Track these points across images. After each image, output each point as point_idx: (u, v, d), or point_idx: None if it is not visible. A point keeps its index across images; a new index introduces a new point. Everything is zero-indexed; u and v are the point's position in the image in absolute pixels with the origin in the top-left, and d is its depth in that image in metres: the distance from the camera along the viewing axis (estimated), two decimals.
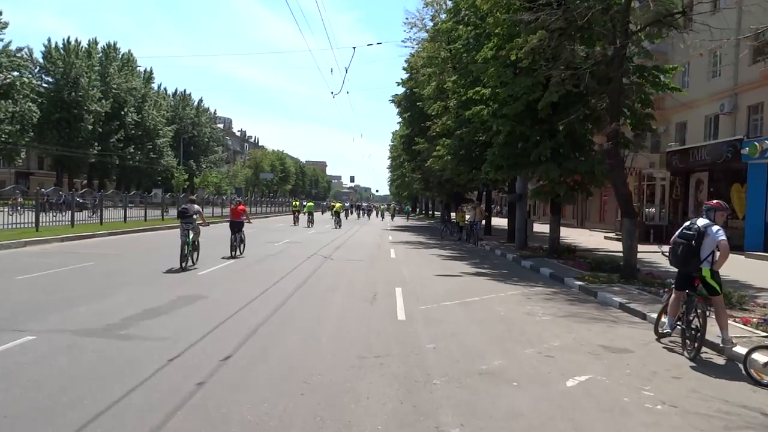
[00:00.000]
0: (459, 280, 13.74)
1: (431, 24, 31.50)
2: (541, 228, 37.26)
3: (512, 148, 18.53)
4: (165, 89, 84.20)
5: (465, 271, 15.44)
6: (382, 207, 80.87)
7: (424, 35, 32.56)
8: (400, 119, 44.78)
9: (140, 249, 18.56)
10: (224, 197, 66.36)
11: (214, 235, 21.41)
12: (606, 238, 31.08)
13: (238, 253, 16.96)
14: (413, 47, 32.68)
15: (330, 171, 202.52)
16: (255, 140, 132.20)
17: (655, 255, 18.05)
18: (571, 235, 32.63)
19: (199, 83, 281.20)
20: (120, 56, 68.82)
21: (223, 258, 16.26)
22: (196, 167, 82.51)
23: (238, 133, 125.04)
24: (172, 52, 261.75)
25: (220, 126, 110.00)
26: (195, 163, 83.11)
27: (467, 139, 24.29)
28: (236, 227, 17.00)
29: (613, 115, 14.04)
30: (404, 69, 41.91)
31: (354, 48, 22.40)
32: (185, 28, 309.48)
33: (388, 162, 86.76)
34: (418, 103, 37.25)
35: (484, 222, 26.67)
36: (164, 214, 35.17)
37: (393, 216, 75.52)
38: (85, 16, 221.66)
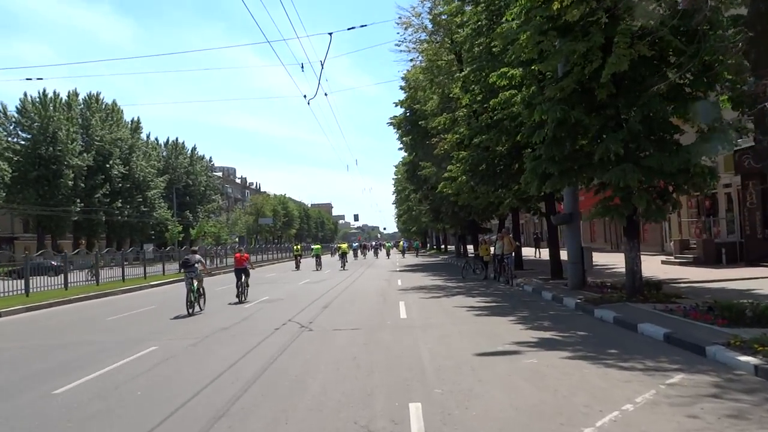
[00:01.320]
0: (524, 367, 7.53)
1: (429, 19, 26.07)
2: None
3: (562, 147, 12.66)
4: (156, 139, 79.76)
5: (522, 340, 9.34)
6: (387, 244, 74.81)
7: (423, 35, 27.18)
8: (401, 144, 39.35)
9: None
10: (225, 247, 60.78)
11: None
12: (664, 263, 24.89)
13: (243, 298, 17.45)
14: (409, 51, 27.34)
15: (336, 212, 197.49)
16: (257, 186, 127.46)
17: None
18: (614, 261, 26.44)
19: (201, 136, 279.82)
20: (103, 106, 64.24)
21: (229, 304, 16.96)
22: (193, 218, 77.21)
23: (238, 181, 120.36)
24: (174, 108, 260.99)
25: (219, 174, 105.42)
26: (191, 214, 77.87)
27: (490, 148, 18.55)
28: (241, 273, 17.61)
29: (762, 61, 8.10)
30: (401, 88, 36.67)
31: (330, 34, 16.73)
32: (186, 85, 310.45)
33: (393, 197, 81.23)
34: (420, 123, 31.79)
35: (514, 254, 20.76)
36: (164, 268, 33.70)
37: (404, 253, 69.40)
38: (92, 80, 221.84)
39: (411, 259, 53.32)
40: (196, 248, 18.62)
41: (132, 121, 69.23)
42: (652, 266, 23.66)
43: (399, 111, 36.87)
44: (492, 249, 22.82)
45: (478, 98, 18.64)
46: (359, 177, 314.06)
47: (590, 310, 12.19)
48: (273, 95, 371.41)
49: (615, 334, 9.74)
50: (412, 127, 35.11)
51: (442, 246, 69.08)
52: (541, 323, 11.14)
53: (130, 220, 64.07)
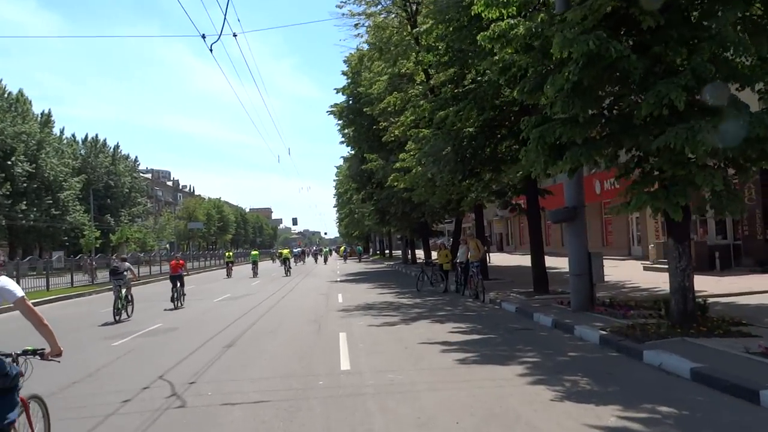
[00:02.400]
0: None
1: None
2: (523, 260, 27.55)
3: (589, 101, 8.24)
4: (73, 135, 71.82)
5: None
6: (325, 250, 70.02)
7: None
8: (342, 138, 34.55)
9: None
10: (151, 254, 54.25)
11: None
12: (648, 269, 21.16)
13: (179, 304, 17.51)
14: (352, 15, 22.56)
15: (276, 217, 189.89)
16: (191, 189, 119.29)
17: None
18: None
19: (135, 138, 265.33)
20: (5, 95, 56.31)
21: (165, 310, 16.71)
22: (115, 222, 69.62)
23: (170, 184, 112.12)
24: (109, 108, 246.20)
25: (147, 176, 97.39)
26: (113, 218, 70.26)
27: (457, 125, 14.08)
28: (176, 280, 17.74)
29: None
30: (343, 73, 31.92)
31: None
32: (120, 85, 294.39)
33: (335, 200, 76.25)
34: (365, 110, 27.09)
35: (480, 263, 16.30)
36: (72, 279, 28.17)
37: (345, 258, 64.65)
38: (17, 76, 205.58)
39: (353, 265, 48.48)
40: (125, 255, 19.75)
41: (42, 114, 61.41)
42: (636, 274, 19.94)
43: (340, 99, 32.13)
44: (458, 256, 18.44)
45: (444, 59, 14.13)
46: (297, 178, 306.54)
47: (632, 350, 7.79)
48: (210, 97, 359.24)
49: (727, 409, 5.35)
50: (355, 116, 30.42)
51: (387, 251, 64.62)
52: (575, 381, 6.61)
53: (37, 224, 56.29)
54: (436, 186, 18.44)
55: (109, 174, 72.05)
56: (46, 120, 61.01)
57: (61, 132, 64.56)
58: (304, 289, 23.28)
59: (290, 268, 35.82)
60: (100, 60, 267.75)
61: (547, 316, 11.11)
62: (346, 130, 33.80)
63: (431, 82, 18.98)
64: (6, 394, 3.67)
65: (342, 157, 35.12)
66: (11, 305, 4.02)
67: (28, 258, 38.17)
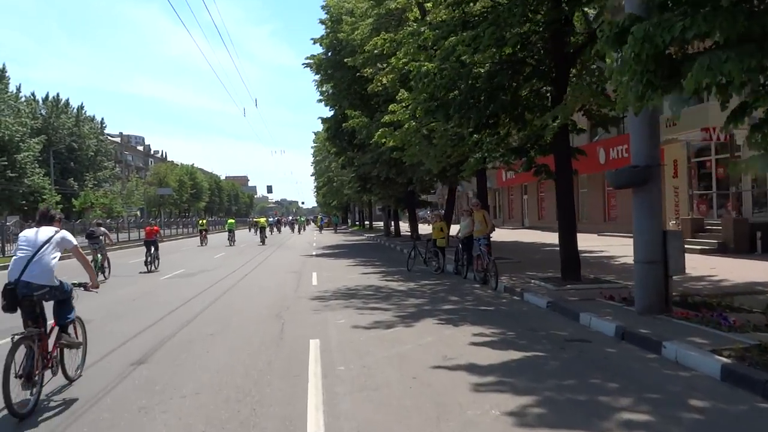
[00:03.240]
0: None
1: None
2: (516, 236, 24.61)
3: None
4: (33, 94, 66.21)
5: None
6: (300, 219, 66.86)
7: None
8: (320, 96, 30.54)
9: None
10: (119, 221, 50.17)
11: None
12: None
13: (152, 267, 18.04)
14: None
15: (252, 185, 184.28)
16: (163, 155, 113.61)
17: None
18: (587, 246, 19.69)
19: (108, 103, 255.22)
20: None
21: (140, 272, 17.21)
22: (79, 187, 64.62)
23: (141, 148, 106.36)
24: (78, 71, 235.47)
25: (116, 140, 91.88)
26: (77, 182, 65.26)
27: (467, 63, 10.51)
28: (150, 245, 18.24)
29: None
30: (321, 22, 27.83)
31: None
32: (90, 46, 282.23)
33: (312, 168, 72.13)
34: (346, 61, 23.19)
35: (487, 239, 12.87)
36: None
37: (321, 229, 61.14)
38: None
39: (330, 236, 44.89)
40: (101, 221, 20.98)
41: None
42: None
43: (318, 51, 28.06)
44: (459, 229, 14.98)
45: None
46: (270, 140, 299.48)
47: None
48: (185, 62, 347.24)
49: None
50: (335, 70, 26.45)
51: (367, 223, 61.07)
52: None
53: None
54: (433, 144, 14.85)
55: (73, 136, 66.77)
56: (0, 75, 55.45)
57: (18, 89, 58.92)
58: (274, 263, 19.68)
59: (266, 237, 35.40)
60: (66, 19, 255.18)
61: (605, 320, 7.72)
62: (324, 87, 29.78)
63: (428, 18, 15.26)
64: (65, 304, 5.42)
65: (320, 118, 30.95)
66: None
67: None
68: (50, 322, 5.36)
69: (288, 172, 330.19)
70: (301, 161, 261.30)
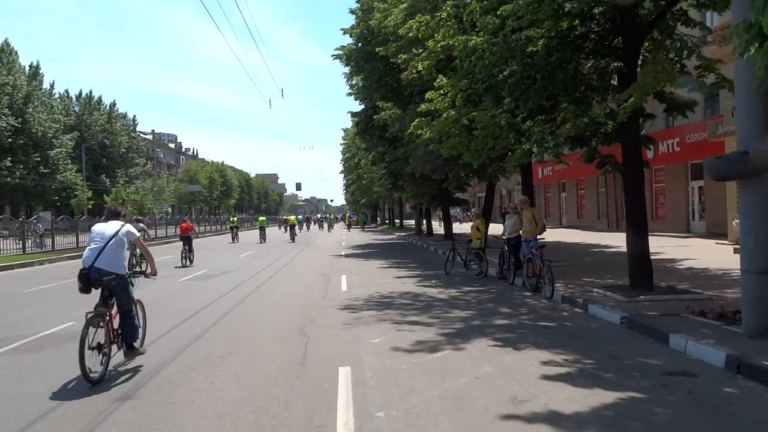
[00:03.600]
0: None
1: None
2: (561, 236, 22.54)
3: None
4: (66, 92, 66.49)
5: None
6: (330, 217, 65.97)
7: None
8: (350, 90, 29.13)
9: None
10: (153, 217, 49.96)
11: None
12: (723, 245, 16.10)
13: (188, 263, 18.46)
14: None
15: (291, 188, 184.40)
16: (194, 153, 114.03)
17: None
18: (654, 248, 17.77)
19: (141, 101, 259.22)
20: None
21: (175, 267, 17.62)
22: (111, 183, 64.69)
23: (173, 146, 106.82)
24: (113, 70, 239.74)
25: (148, 137, 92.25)
26: (108, 179, 65.37)
27: (521, 37, 8.92)
28: (186, 241, 18.98)
29: None
30: (351, 12, 26.42)
31: None
32: (125, 46, 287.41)
33: (341, 166, 70.92)
34: (378, 50, 21.72)
35: (536, 240, 11.22)
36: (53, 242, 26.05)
37: (349, 226, 60.28)
38: (21, 38, 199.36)
39: (358, 235, 43.57)
40: (140, 218, 21.56)
41: (30, 66, 55.97)
42: (728, 259, 14.72)
43: (348, 41, 26.65)
44: (480, 230, 13.46)
45: None
46: (298, 137, 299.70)
47: None
48: (217, 62, 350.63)
49: None
50: (365, 61, 24.97)
51: (396, 221, 59.61)
52: None
53: (24, 183, 51.51)
54: (473, 136, 13.27)
55: (105, 133, 66.88)
56: (34, 73, 55.60)
57: (51, 86, 58.99)
58: (301, 265, 18.36)
59: (296, 234, 35.92)
60: (104, 20, 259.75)
61: (707, 345, 6.10)
62: (354, 80, 28.39)
63: None
64: (127, 286, 5.98)
65: (349, 112, 29.62)
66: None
67: None
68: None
69: (317, 170, 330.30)
70: (330, 159, 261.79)
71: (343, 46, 26.45)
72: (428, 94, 14.16)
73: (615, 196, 29.54)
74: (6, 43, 52.76)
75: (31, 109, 52.30)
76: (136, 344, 6.13)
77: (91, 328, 5.51)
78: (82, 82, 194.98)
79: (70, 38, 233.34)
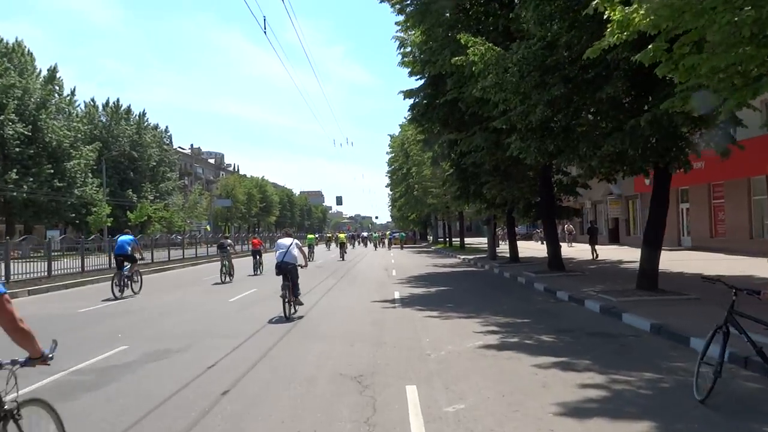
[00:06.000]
0: None
1: None
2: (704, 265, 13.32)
3: None
4: (93, 100, 60.56)
5: None
6: (374, 235, 61.48)
7: None
8: (402, 58, 20.27)
9: None
10: (183, 235, 42.79)
11: None
12: None
13: (258, 272, 20.90)
14: None
15: (327, 201, 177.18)
16: (235, 168, 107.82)
17: None
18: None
19: (192, 122, 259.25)
20: None
21: (248, 275, 20.28)
22: (138, 198, 57.81)
23: (212, 161, 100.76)
24: (168, 94, 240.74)
25: (186, 152, 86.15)
26: (135, 194, 58.54)
27: None
28: (256, 254, 21.74)
29: None
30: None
31: None
32: (179, 69, 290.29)
33: (387, 178, 62.21)
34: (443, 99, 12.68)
35: None
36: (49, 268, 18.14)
37: (389, 246, 52.79)
38: (83, 63, 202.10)
39: (406, 257, 34.52)
40: (228, 235, 25.02)
41: (49, 70, 49.76)
42: None
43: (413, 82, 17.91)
44: None
45: None
46: (353, 165, 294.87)
47: None
48: (262, 82, 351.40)
49: None
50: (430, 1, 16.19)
51: (448, 239, 50.20)
52: None
53: (35, 197, 44.86)
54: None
55: (133, 145, 60.35)
56: (51, 76, 49.29)
57: (72, 92, 52.59)
58: (338, 314, 9.71)
59: (345, 252, 35.18)
60: (159, 45, 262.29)
61: None
62: (407, 46, 19.63)
63: None
64: (296, 270, 10.82)
65: (401, 92, 20.59)
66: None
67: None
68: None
69: (366, 191, 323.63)
70: (375, 177, 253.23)
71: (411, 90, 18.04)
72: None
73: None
74: (18, 43, 46.73)
75: (44, 116, 45.86)
76: (300, 299, 10.76)
77: (285, 291, 10.19)
78: (136, 104, 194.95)
79: (127, 63, 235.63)
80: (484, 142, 15.66)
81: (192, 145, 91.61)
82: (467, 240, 43.27)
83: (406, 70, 19.61)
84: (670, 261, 18.59)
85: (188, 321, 10.63)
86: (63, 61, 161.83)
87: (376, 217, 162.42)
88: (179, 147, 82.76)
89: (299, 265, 10.79)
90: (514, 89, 10.46)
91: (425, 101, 20.23)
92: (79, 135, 50.94)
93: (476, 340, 8.00)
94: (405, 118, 21.82)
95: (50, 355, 3.04)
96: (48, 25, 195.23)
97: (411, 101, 21.07)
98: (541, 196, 17.43)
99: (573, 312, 10.42)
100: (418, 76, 20.51)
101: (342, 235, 38.65)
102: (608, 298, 10.72)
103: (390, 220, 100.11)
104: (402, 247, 51.43)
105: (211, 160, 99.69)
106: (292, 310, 10.31)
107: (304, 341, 8.28)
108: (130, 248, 15.05)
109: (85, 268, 20.79)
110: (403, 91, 20.93)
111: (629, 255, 24.31)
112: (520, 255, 22.41)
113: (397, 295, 13.71)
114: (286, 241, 10.94)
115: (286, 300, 10.15)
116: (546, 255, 17.40)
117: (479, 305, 11.68)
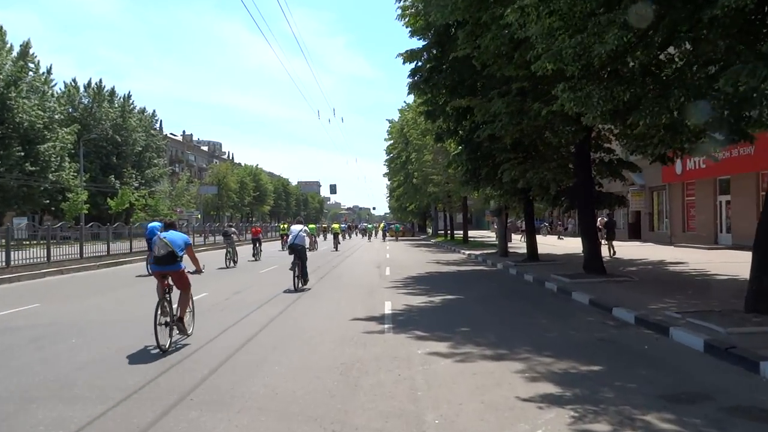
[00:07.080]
0: None
1: None
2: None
3: None
4: (74, 81, 56.50)
5: None
6: (369, 227, 60.26)
7: None
8: (400, 11, 16.45)
9: None
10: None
11: None
12: None
13: (257, 258, 23.13)
14: None
15: (324, 192, 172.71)
16: (230, 156, 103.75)
17: None
18: None
19: (190, 112, 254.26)
20: None
21: (248, 261, 22.01)
22: (121, 184, 53.79)
23: (205, 148, 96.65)
24: (168, 84, 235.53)
25: (178, 138, 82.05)
26: (118, 180, 54.55)
27: None
28: (255, 242, 24.12)
29: None
30: None
31: None
32: (178, 59, 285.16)
33: (385, 167, 58.35)
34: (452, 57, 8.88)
35: None
36: None
37: (384, 237, 51.58)
38: (81, 52, 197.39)
39: (403, 252, 30.77)
40: (232, 224, 28.08)
41: (22, 45, 45.62)
42: None
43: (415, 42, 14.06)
44: None
45: None
46: (345, 149, 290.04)
47: None
48: (261, 73, 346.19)
49: None
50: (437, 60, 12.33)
51: (448, 231, 46.48)
52: None
53: (3, 182, 41.00)
54: None
55: (117, 129, 56.31)
56: (23, 52, 45.09)
57: (48, 71, 48.37)
58: (293, 349, 5.89)
59: (339, 243, 34.89)
60: (157, 34, 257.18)
61: None
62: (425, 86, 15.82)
63: None
64: (305, 252, 12.91)
65: (400, 54, 16.66)
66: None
67: None
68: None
69: (361, 178, 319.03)
70: (373, 169, 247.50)
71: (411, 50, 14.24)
72: None
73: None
74: None
75: (14, 95, 41.87)
76: (308, 278, 12.93)
77: (295, 267, 12.32)
78: (137, 95, 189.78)
79: (126, 52, 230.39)
80: (506, 108, 11.85)
81: (184, 131, 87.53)
82: (469, 233, 39.52)
83: (405, 55, 15.93)
84: (723, 264, 14.95)
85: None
86: (61, 50, 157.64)
87: (374, 208, 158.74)
88: (171, 133, 78.73)
89: (307, 248, 13.20)
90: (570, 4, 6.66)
91: (429, 65, 16.42)
92: (56, 116, 46.96)
93: (527, 420, 4.26)
94: (406, 86, 17.79)
95: None
96: (46, 14, 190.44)
97: (412, 66, 17.22)
98: (577, 178, 13.61)
99: (662, 350, 6.66)
100: (420, 36, 16.69)
101: (336, 226, 39.09)
102: (710, 326, 6.96)
103: (388, 211, 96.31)
104: (397, 239, 49.35)
105: (205, 148, 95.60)
106: (300, 284, 12.44)
107: (202, 420, 4.52)
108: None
109: (52, 259, 18.57)
110: (402, 54, 17.02)
111: (661, 254, 20.56)
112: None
113: (387, 309, 9.92)
114: (297, 227, 13.03)
115: (296, 275, 12.41)
116: (565, 252, 13.71)
117: (507, 330, 7.93)
